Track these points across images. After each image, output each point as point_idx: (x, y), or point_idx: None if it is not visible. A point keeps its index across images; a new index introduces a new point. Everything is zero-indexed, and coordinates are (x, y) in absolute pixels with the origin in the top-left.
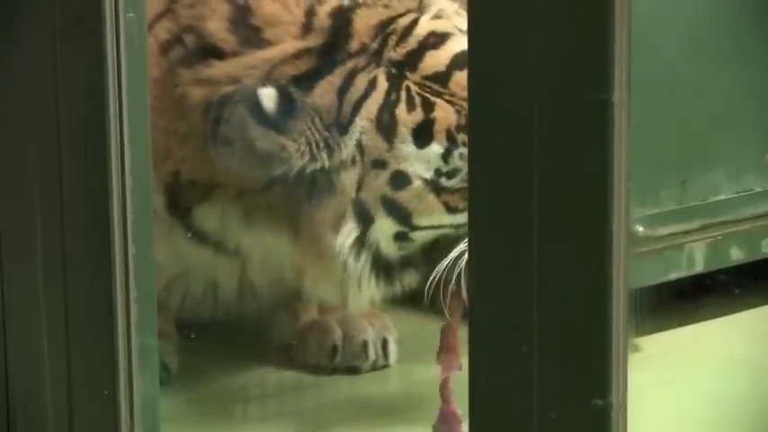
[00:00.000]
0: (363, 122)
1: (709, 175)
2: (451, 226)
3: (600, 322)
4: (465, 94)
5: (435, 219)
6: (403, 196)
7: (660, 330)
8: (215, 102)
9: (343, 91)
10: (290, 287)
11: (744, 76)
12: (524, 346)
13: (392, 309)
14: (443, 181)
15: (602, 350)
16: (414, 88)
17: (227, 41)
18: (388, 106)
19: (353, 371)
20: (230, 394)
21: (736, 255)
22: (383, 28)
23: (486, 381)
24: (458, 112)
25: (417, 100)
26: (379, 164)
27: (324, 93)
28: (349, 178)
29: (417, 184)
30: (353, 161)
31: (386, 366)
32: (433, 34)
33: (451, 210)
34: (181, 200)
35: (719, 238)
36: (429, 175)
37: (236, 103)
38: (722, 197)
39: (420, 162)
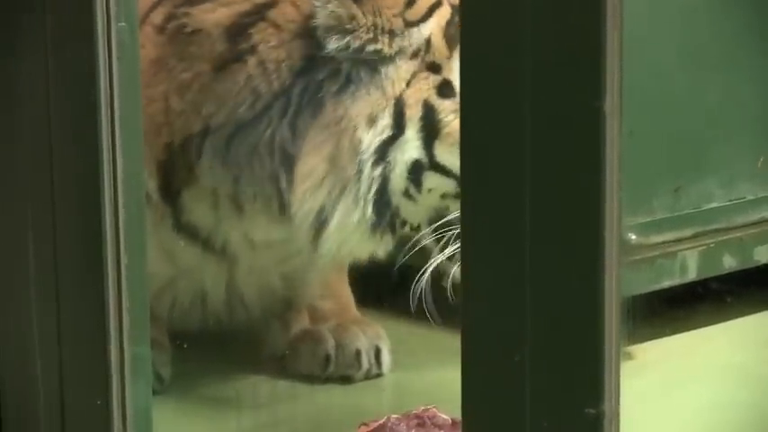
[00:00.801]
0: (433, 23)
1: (702, 183)
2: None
3: (592, 330)
4: None
5: (451, 162)
6: (443, 106)
7: (653, 338)
8: None
9: None
10: (281, 296)
11: (736, 83)
12: (517, 354)
13: (384, 317)
14: None
15: (594, 358)
16: None
17: None
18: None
19: (346, 380)
20: (223, 404)
21: (729, 263)
22: None
23: (478, 389)
24: None
25: None
26: (435, 67)
27: None
28: (402, 71)
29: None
30: (414, 54)
31: (379, 375)
32: None
33: None
34: (173, 181)
35: (712, 245)
36: None
37: None
38: (715, 205)
39: None
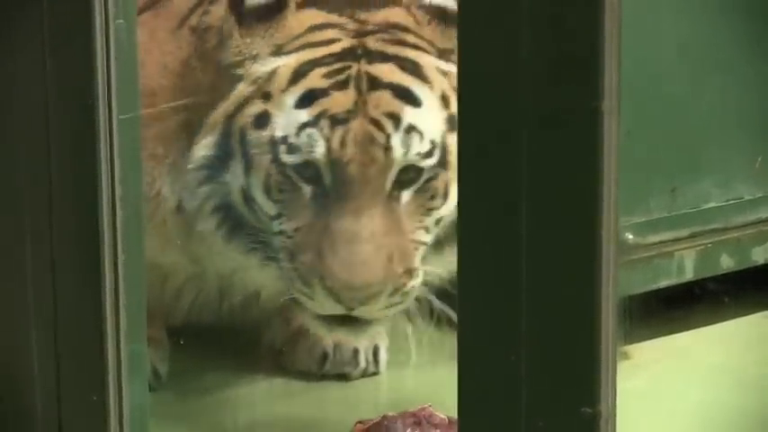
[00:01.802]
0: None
1: (699, 183)
2: None
3: (589, 330)
4: None
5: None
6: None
7: (650, 338)
8: None
9: None
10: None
11: (734, 84)
12: (512, 354)
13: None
14: None
15: (590, 358)
16: None
17: None
18: None
19: (343, 378)
20: (220, 400)
21: (726, 263)
22: None
23: (474, 389)
24: None
25: None
26: (266, 96)
27: None
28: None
29: None
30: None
31: (376, 374)
32: None
33: None
34: None
35: (709, 246)
36: None
37: None
38: (712, 205)
39: None
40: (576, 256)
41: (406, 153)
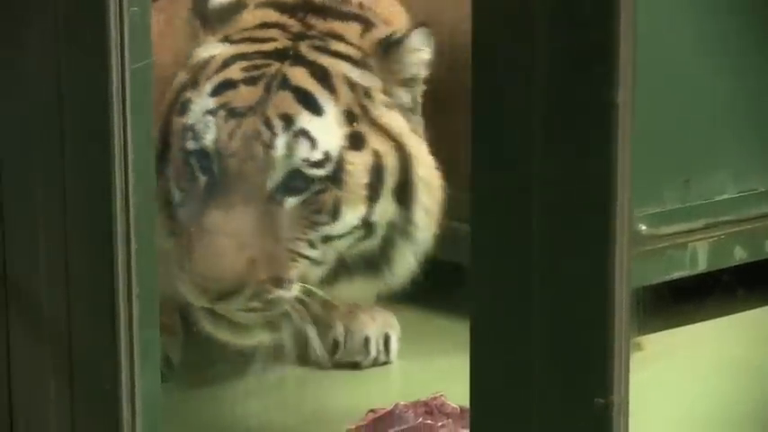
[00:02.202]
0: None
1: (713, 175)
2: None
3: (602, 320)
4: None
5: None
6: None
7: (663, 329)
8: None
9: None
10: None
11: (748, 74)
12: (525, 344)
13: (395, 304)
14: None
15: (603, 348)
16: None
17: None
18: None
19: (354, 366)
20: (232, 388)
21: (740, 254)
22: None
23: (486, 378)
24: None
25: None
26: (193, 84)
27: None
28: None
29: None
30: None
31: (387, 363)
32: None
33: None
34: None
35: (723, 237)
36: None
37: None
38: (726, 196)
39: None
40: (589, 247)
41: (289, 156)
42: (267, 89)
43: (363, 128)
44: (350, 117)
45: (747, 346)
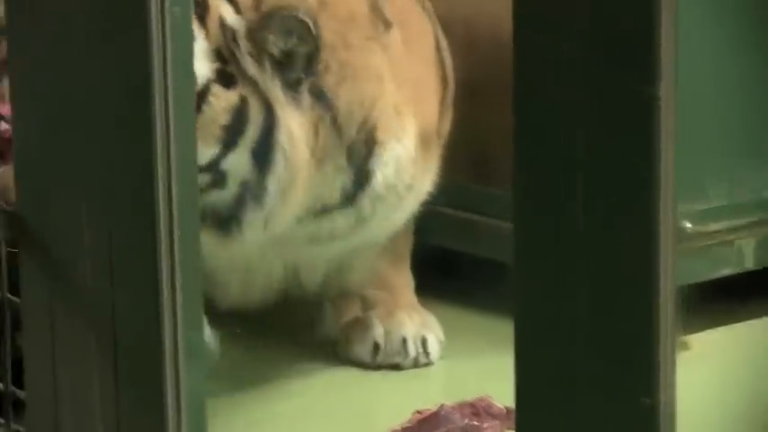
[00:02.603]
0: None
1: (760, 171)
2: None
3: (647, 319)
4: None
5: None
6: None
7: (710, 328)
8: None
9: None
10: (332, 282)
11: None
12: (569, 343)
13: (442, 303)
14: None
15: (649, 348)
16: None
17: None
18: None
19: (395, 367)
20: (274, 389)
21: None
22: None
23: (531, 379)
24: None
25: None
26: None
27: None
28: None
29: None
30: None
31: (428, 364)
32: None
33: None
34: None
35: None
36: None
37: None
38: None
39: None
40: (633, 245)
41: None
42: None
43: (234, 71)
44: (220, 57)
45: None
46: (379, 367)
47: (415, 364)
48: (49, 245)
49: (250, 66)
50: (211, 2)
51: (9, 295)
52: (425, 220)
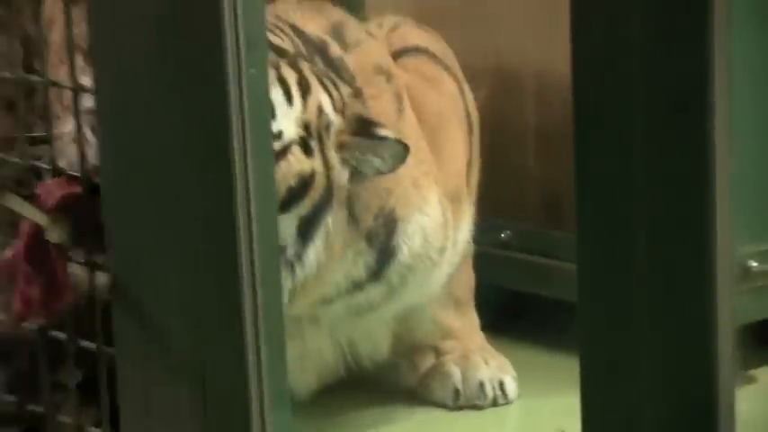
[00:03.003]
0: None
1: None
2: None
3: (707, 358)
4: None
5: None
6: None
7: None
8: None
9: None
10: (406, 338)
11: None
12: (633, 380)
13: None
14: None
15: (710, 385)
16: None
17: None
18: None
19: (475, 407)
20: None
21: None
22: None
23: (593, 418)
24: None
25: None
26: None
27: None
28: None
29: None
30: None
31: (507, 403)
32: None
33: None
34: None
35: None
36: None
37: None
38: None
39: None
40: (690, 284)
41: None
42: None
43: (315, 146)
44: (308, 130)
45: None
46: (460, 408)
47: (494, 404)
48: (141, 300)
49: (332, 155)
50: (314, 86)
51: (104, 347)
52: (496, 265)
